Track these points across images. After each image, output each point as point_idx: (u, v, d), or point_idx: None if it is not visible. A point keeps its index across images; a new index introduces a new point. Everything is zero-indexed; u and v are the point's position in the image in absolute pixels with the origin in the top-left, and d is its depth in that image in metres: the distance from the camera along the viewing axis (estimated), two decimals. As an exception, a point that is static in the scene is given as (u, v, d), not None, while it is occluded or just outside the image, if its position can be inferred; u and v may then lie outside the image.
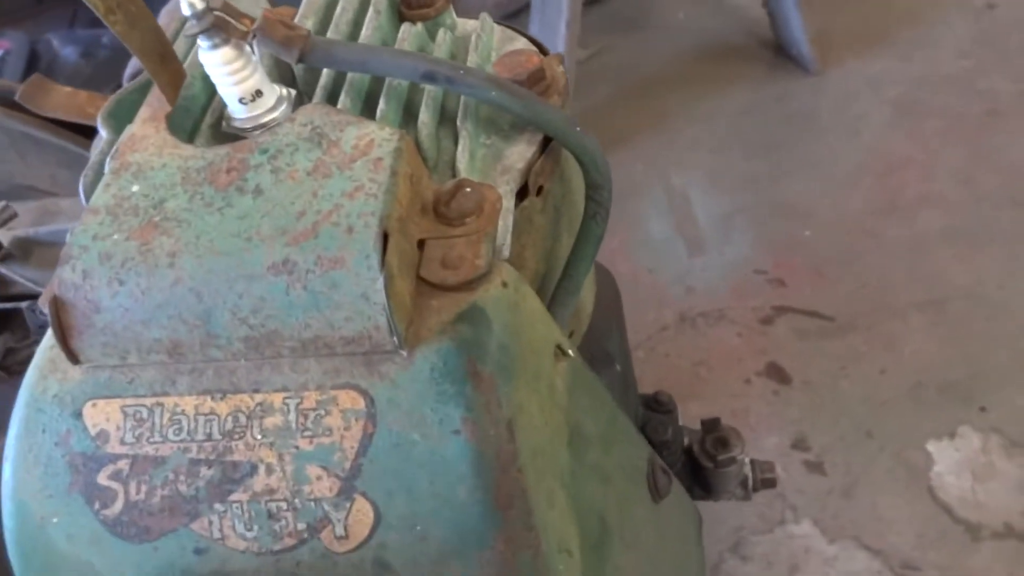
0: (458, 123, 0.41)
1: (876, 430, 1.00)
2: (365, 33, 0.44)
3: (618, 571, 0.41)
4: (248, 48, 0.39)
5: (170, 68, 0.41)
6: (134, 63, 0.53)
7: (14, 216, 0.59)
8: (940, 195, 1.23)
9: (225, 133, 0.42)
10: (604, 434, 0.43)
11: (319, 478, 0.34)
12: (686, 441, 0.69)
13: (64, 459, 0.36)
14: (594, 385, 0.42)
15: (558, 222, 0.45)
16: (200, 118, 0.43)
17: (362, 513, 0.34)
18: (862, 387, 1.04)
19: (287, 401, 0.34)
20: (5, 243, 0.57)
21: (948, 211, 1.21)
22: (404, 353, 0.34)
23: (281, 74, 0.44)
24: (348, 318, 0.33)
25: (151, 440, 0.35)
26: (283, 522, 0.34)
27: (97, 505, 0.36)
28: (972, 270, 1.13)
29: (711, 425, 0.68)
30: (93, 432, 0.36)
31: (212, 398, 0.35)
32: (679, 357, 1.11)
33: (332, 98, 0.42)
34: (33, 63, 1.58)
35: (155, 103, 0.42)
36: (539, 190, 0.42)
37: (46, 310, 0.36)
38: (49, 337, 0.38)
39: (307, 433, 0.34)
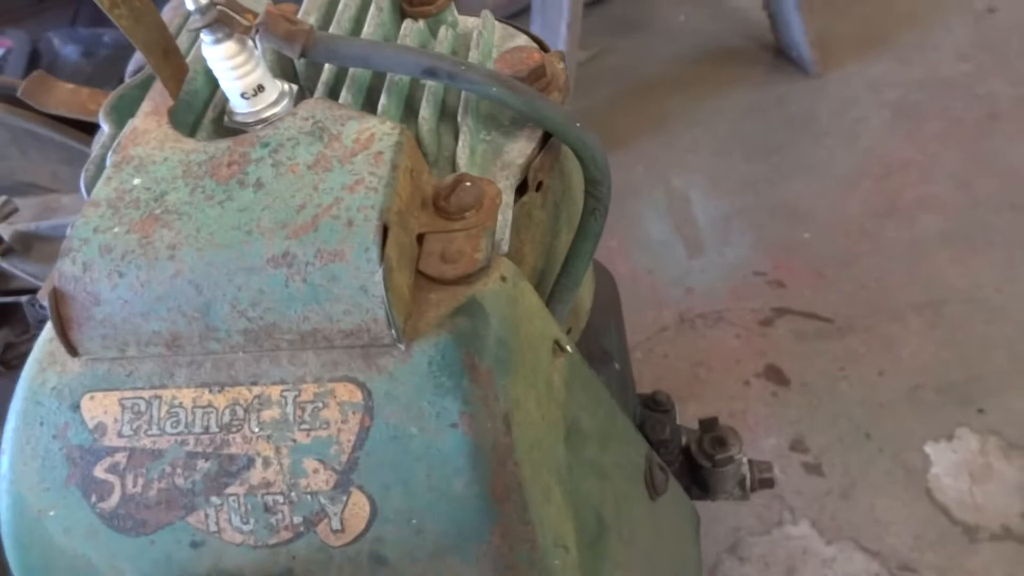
0: (459, 119, 0.42)
1: (874, 432, 1.00)
2: (367, 30, 0.44)
3: (615, 567, 0.41)
4: (251, 43, 0.39)
5: (173, 63, 0.42)
6: (136, 60, 0.53)
7: (15, 211, 0.59)
8: (939, 198, 1.23)
9: (227, 127, 0.42)
10: (601, 430, 0.43)
11: (316, 471, 0.34)
12: (684, 440, 0.69)
13: (62, 452, 0.36)
14: (592, 381, 0.42)
15: (558, 218, 0.45)
16: (202, 112, 0.44)
17: (358, 507, 0.34)
18: (860, 389, 1.04)
19: (285, 394, 0.34)
20: (6, 237, 0.57)
21: (946, 214, 1.21)
22: (402, 346, 0.34)
23: (283, 69, 0.44)
24: (347, 311, 0.33)
25: (149, 433, 0.35)
26: (279, 515, 0.34)
27: (94, 498, 0.36)
28: (970, 273, 1.13)
29: (709, 425, 0.68)
30: (91, 425, 0.36)
31: (210, 391, 0.35)
32: (678, 358, 1.11)
33: (333, 93, 0.42)
34: (34, 62, 1.58)
35: (157, 97, 0.42)
36: (539, 186, 0.42)
37: (46, 303, 0.36)
38: (48, 330, 0.38)
39: (304, 426, 0.34)
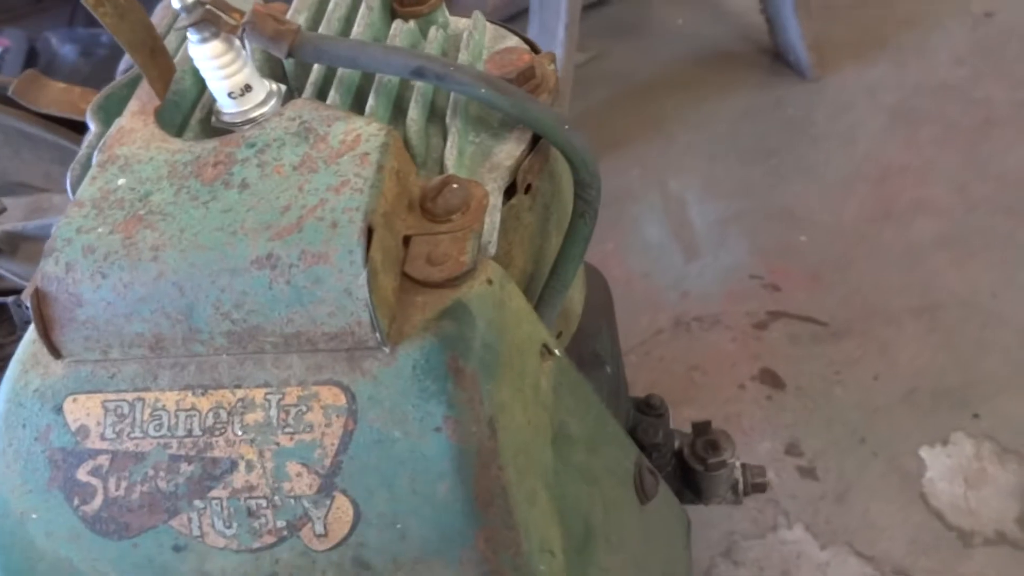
0: (447, 120, 0.41)
1: (869, 436, 1.00)
2: (357, 29, 0.44)
3: (603, 572, 0.40)
4: (238, 42, 0.39)
5: (160, 62, 0.41)
6: (127, 59, 0.52)
7: (3, 210, 0.59)
8: (935, 202, 1.23)
9: (215, 127, 0.41)
10: (590, 435, 0.42)
11: (299, 475, 0.33)
12: (677, 444, 0.69)
13: (44, 454, 0.36)
14: (581, 386, 0.42)
15: (547, 221, 0.45)
16: (190, 112, 0.43)
17: (342, 511, 0.33)
18: (855, 393, 1.04)
19: (268, 397, 0.34)
20: (-7, 237, 0.57)
21: (943, 218, 1.21)
22: (387, 349, 0.33)
23: (272, 69, 0.44)
24: (331, 313, 0.33)
25: (132, 436, 0.35)
26: (262, 519, 0.34)
27: (76, 501, 0.35)
28: (966, 277, 1.13)
29: (702, 428, 0.68)
30: (73, 427, 0.36)
31: (193, 393, 0.35)
32: (673, 361, 1.11)
33: (322, 93, 0.42)
34: (32, 61, 1.58)
35: (144, 97, 0.42)
36: (527, 188, 0.42)
37: (29, 303, 0.35)
38: (32, 331, 0.37)
39: (288, 429, 0.34)
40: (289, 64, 0.43)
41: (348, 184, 0.35)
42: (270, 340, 0.34)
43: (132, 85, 0.44)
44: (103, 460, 0.35)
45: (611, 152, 1.39)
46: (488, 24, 0.49)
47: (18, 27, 1.63)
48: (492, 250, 0.37)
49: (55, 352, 0.36)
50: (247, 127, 0.39)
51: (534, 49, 0.47)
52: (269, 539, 0.34)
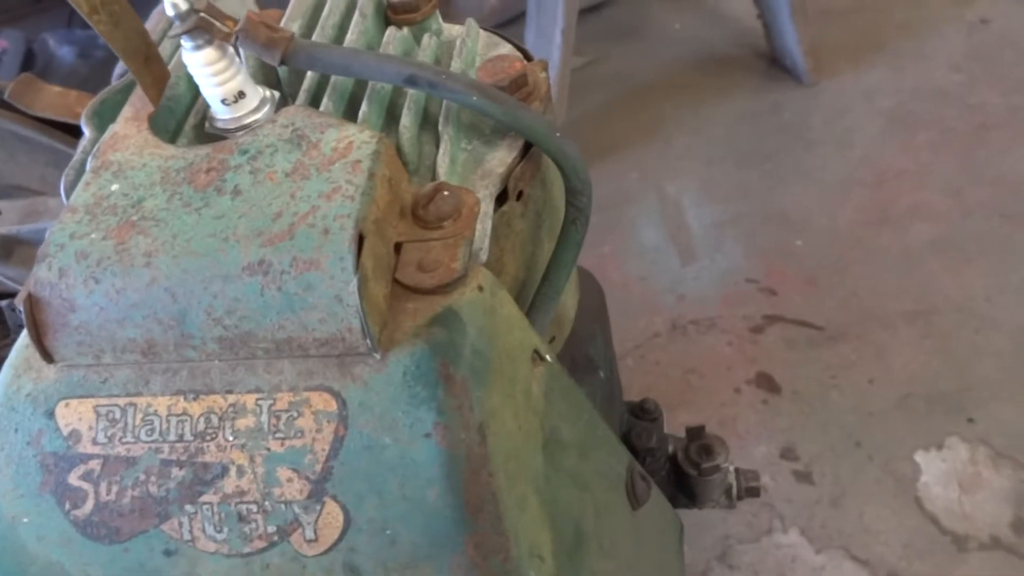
0: (440, 127, 0.42)
1: (864, 440, 1.00)
2: (350, 36, 0.44)
3: (593, 578, 0.41)
4: (231, 49, 0.39)
5: (154, 69, 0.42)
6: (123, 63, 0.53)
7: (-2, 214, 0.59)
8: (931, 207, 1.24)
9: (208, 133, 0.42)
10: (582, 440, 0.43)
11: (290, 480, 0.34)
12: (671, 449, 0.69)
13: (36, 459, 0.36)
14: (572, 391, 0.42)
15: (539, 227, 0.45)
16: (184, 118, 0.44)
17: (332, 516, 0.33)
18: (851, 397, 1.04)
19: (260, 402, 0.34)
20: (-12, 241, 0.57)
21: (938, 223, 1.21)
22: (377, 356, 0.34)
23: (266, 76, 0.44)
24: (322, 320, 0.33)
25: (123, 440, 0.35)
26: (253, 524, 0.34)
27: (68, 505, 0.35)
28: (961, 282, 1.14)
29: (696, 433, 0.68)
30: (65, 432, 0.36)
31: (185, 398, 0.35)
32: (669, 365, 1.11)
33: (315, 101, 0.42)
34: (29, 62, 1.58)
35: (138, 103, 0.42)
36: (519, 195, 0.42)
37: (22, 308, 0.36)
38: (25, 336, 0.38)
39: (279, 435, 0.34)
40: (283, 71, 0.43)
41: (340, 191, 0.35)
42: (262, 346, 0.34)
43: (127, 91, 0.45)
44: (95, 464, 0.35)
45: (609, 156, 1.39)
46: (481, 31, 0.49)
47: (16, 28, 1.63)
48: (483, 257, 0.38)
49: (48, 357, 0.36)
50: (240, 133, 0.40)
51: (527, 56, 0.47)
52: (260, 544, 0.34)
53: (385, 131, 0.42)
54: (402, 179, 0.38)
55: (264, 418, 0.34)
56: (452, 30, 0.50)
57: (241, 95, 0.40)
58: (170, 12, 0.37)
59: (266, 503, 0.34)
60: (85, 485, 0.35)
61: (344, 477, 0.33)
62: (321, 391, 0.34)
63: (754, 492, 0.70)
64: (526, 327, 0.39)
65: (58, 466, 0.36)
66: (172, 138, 0.42)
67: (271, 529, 0.34)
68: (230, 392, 0.35)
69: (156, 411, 0.35)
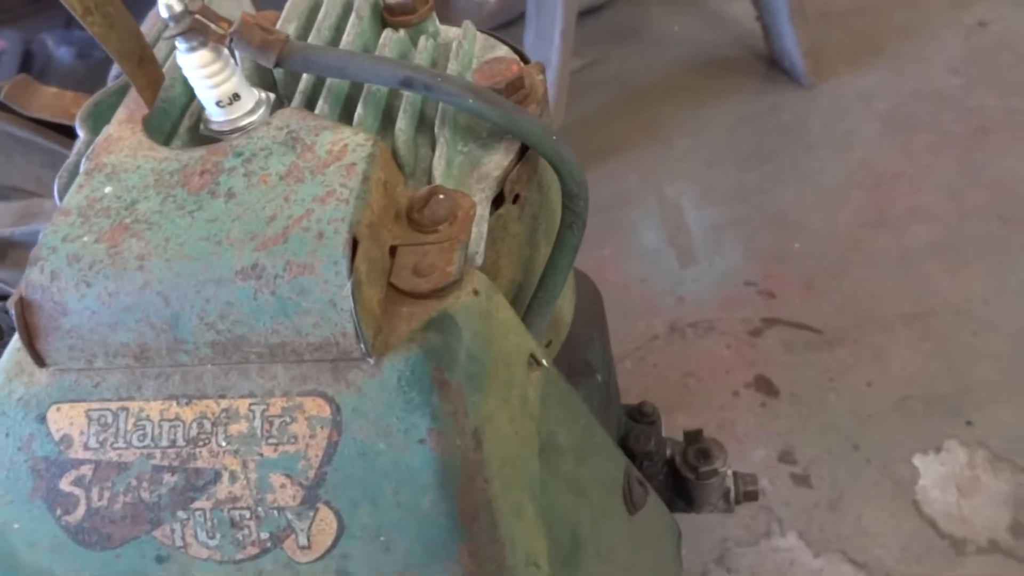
0: (436, 130, 0.41)
1: (863, 443, 1.00)
2: (346, 38, 0.44)
3: (590, 584, 0.40)
4: (226, 51, 0.39)
5: (149, 70, 0.41)
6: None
7: (-7, 216, 0.59)
8: (929, 209, 1.24)
9: (203, 135, 0.41)
10: (578, 445, 0.42)
11: (283, 486, 0.33)
12: (669, 452, 0.69)
13: (27, 464, 0.35)
14: (569, 396, 0.42)
15: (536, 231, 0.45)
16: (178, 120, 0.43)
17: (325, 523, 0.33)
18: (849, 400, 1.04)
19: (253, 407, 0.34)
20: (-18, 243, 0.57)
21: (936, 226, 1.21)
22: (372, 361, 0.33)
23: (262, 78, 0.44)
24: (316, 324, 0.33)
25: (115, 446, 0.35)
26: (246, 531, 0.34)
27: (59, 511, 0.35)
28: (959, 284, 1.14)
29: (694, 437, 0.68)
30: (57, 437, 0.35)
31: (178, 403, 0.35)
32: (668, 367, 1.11)
33: (311, 103, 0.42)
34: (27, 63, 1.57)
35: (132, 105, 0.42)
36: (515, 198, 0.42)
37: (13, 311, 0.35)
38: (16, 340, 0.37)
39: (272, 440, 0.34)
40: (279, 72, 0.43)
41: (334, 195, 0.34)
42: (255, 350, 0.34)
43: (122, 92, 0.44)
44: (86, 470, 0.35)
45: (608, 158, 1.39)
46: (479, 34, 0.49)
47: (14, 28, 1.62)
48: (479, 261, 0.37)
49: (39, 361, 0.36)
50: (235, 136, 0.39)
51: (524, 59, 0.47)
52: (252, 550, 0.34)
53: (381, 134, 0.42)
54: (397, 182, 0.38)
55: (257, 423, 0.34)
56: (449, 32, 0.49)
57: (236, 97, 0.40)
58: (164, 14, 0.37)
59: (259, 509, 0.34)
60: (77, 491, 0.35)
61: (338, 483, 0.33)
62: (315, 396, 0.33)
63: (752, 496, 0.70)
64: (522, 331, 0.38)
65: (49, 471, 0.35)
66: (166, 140, 0.42)
67: (264, 535, 0.34)
68: (223, 397, 0.34)
69: (148, 416, 0.35)
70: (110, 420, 0.35)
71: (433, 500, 0.32)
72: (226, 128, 0.41)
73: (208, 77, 0.39)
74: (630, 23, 1.63)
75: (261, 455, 0.34)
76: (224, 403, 0.34)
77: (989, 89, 1.38)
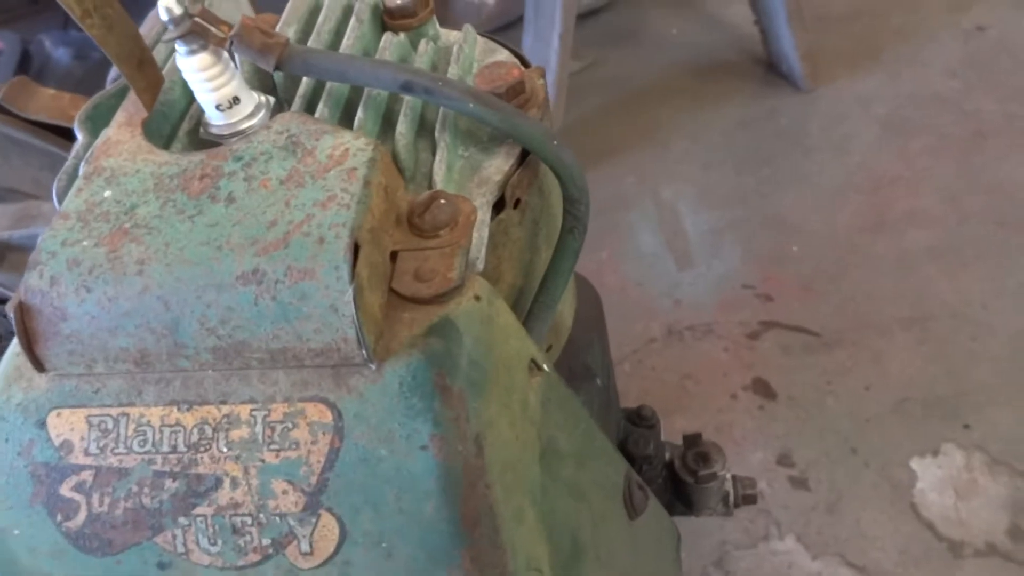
0: (436, 134, 0.41)
1: (860, 446, 1.00)
2: (347, 42, 0.44)
3: (591, 589, 0.40)
4: (226, 55, 0.39)
5: (148, 73, 0.41)
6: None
7: (-10, 219, 0.58)
8: (927, 213, 1.24)
9: (203, 139, 0.41)
10: (579, 450, 0.42)
11: (285, 493, 0.33)
12: (668, 456, 0.69)
13: (27, 470, 0.35)
14: (569, 400, 0.42)
15: (537, 235, 0.45)
16: (178, 123, 0.43)
17: (328, 529, 0.33)
18: (847, 403, 1.04)
19: (254, 413, 0.34)
20: (-20, 246, 0.57)
21: (934, 229, 1.22)
22: (373, 366, 0.33)
23: (262, 81, 0.44)
24: (317, 330, 0.33)
25: (116, 451, 0.35)
26: (248, 537, 0.34)
27: (59, 517, 0.35)
28: (957, 288, 1.14)
29: (692, 440, 0.68)
30: (57, 442, 0.35)
31: (179, 409, 0.35)
32: (666, 371, 1.11)
33: (311, 107, 0.42)
34: (25, 64, 1.57)
35: (131, 108, 0.42)
36: (516, 203, 0.42)
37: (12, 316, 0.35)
38: (15, 344, 0.37)
39: (274, 446, 0.33)
40: (279, 76, 0.43)
41: (335, 199, 0.34)
42: (256, 356, 0.34)
43: (120, 95, 0.44)
44: (87, 476, 0.35)
45: (606, 160, 1.39)
46: (479, 37, 0.49)
47: (12, 29, 1.62)
48: (480, 265, 0.37)
49: (39, 366, 0.35)
50: (235, 140, 0.39)
51: (524, 63, 0.46)
52: (254, 557, 0.34)
53: (381, 138, 0.42)
54: (398, 187, 0.38)
55: (258, 429, 0.34)
56: (449, 36, 0.49)
57: (236, 101, 0.40)
58: (164, 17, 0.37)
59: (260, 515, 0.33)
60: (77, 496, 0.35)
61: (340, 489, 0.33)
62: (316, 402, 0.33)
63: (751, 500, 0.70)
64: (523, 336, 0.38)
65: (50, 477, 0.35)
66: (166, 144, 0.42)
67: (266, 542, 0.34)
68: (224, 403, 0.34)
69: (149, 421, 0.35)
70: (111, 426, 0.35)
71: (435, 506, 0.32)
72: (226, 132, 0.41)
73: (208, 80, 0.39)
74: (628, 26, 1.64)
75: (263, 461, 0.33)
76: (225, 409, 0.34)
77: (987, 93, 1.39)
